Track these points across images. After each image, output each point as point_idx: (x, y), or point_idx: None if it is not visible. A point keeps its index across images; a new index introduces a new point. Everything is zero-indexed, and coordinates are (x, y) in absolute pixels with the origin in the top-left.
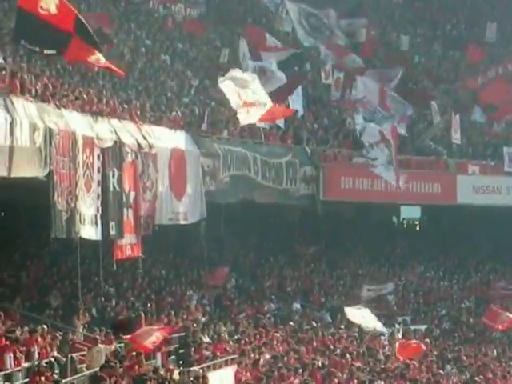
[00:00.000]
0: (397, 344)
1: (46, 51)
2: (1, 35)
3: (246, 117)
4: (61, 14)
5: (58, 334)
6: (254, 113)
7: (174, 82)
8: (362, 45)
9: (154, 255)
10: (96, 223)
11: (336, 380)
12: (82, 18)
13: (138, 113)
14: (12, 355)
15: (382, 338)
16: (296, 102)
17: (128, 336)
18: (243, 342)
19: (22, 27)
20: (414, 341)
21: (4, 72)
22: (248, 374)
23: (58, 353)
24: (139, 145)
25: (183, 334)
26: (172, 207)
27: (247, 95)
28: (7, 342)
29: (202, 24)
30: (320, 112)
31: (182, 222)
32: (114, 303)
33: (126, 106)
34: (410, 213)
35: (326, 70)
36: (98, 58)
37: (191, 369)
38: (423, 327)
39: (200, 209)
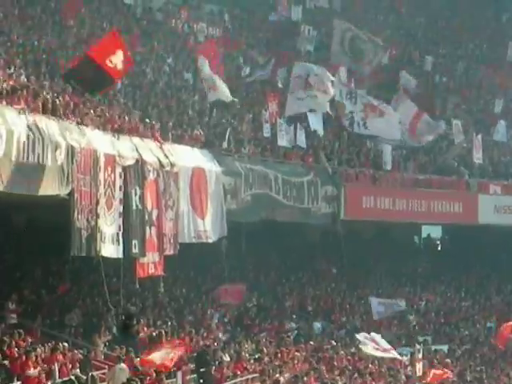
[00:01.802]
0: (420, 366)
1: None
2: (24, 53)
3: None
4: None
5: (78, 352)
6: None
7: (195, 100)
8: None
9: (174, 273)
10: (118, 241)
11: None
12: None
13: (160, 131)
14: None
15: (404, 358)
16: (316, 122)
17: (144, 360)
18: (264, 361)
19: (79, 71)
20: (439, 370)
21: (26, 90)
22: None
23: (80, 371)
24: (161, 163)
25: (201, 351)
26: (195, 225)
27: None
28: (29, 360)
29: (224, 42)
30: (341, 131)
31: (206, 241)
32: (135, 321)
33: (147, 123)
34: (432, 232)
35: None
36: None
37: None
38: (445, 347)
39: (220, 227)
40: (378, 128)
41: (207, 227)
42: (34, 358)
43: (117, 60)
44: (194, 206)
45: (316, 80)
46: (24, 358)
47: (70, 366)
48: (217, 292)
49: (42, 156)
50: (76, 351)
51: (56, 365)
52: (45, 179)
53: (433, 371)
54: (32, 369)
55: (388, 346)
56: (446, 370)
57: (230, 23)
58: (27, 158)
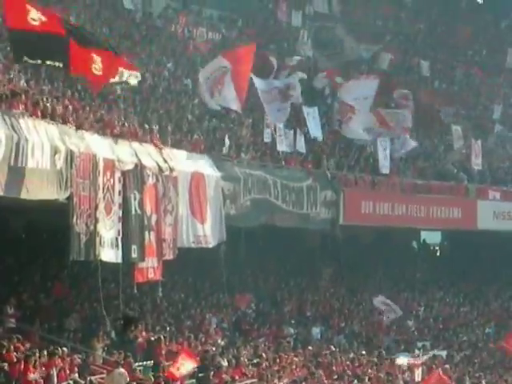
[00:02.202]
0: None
1: (48, 62)
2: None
3: None
4: (49, 20)
5: (77, 357)
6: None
7: (195, 105)
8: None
9: (173, 279)
10: (117, 246)
11: None
12: (67, 19)
13: (159, 136)
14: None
15: (403, 363)
16: (314, 127)
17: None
18: (262, 366)
19: (18, 46)
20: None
21: (26, 95)
22: None
23: (78, 376)
24: (160, 168)
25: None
26: (194, 230)
27: None
28: (28, 364)
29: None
30: (340, 136)
31: (206, 246)
32: (133, 326)
33: (147, 128)
34: (431, 238)
35: None
36: (98, 70)
37: None
38: (443, 353)
39: (219, 232)
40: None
41: (207, 232)
42: (33, 363)
43: (37, 15)
44: (193, 211)
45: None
46: (24, 362)
47: (69, 371)
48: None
49: (41, 160)
50: (75, 356)
51: (54, 369)
52: (43, 183)
53: (431, 377)
54: (33, 373)
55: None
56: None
57: (229, 28)
58: (26, 162)
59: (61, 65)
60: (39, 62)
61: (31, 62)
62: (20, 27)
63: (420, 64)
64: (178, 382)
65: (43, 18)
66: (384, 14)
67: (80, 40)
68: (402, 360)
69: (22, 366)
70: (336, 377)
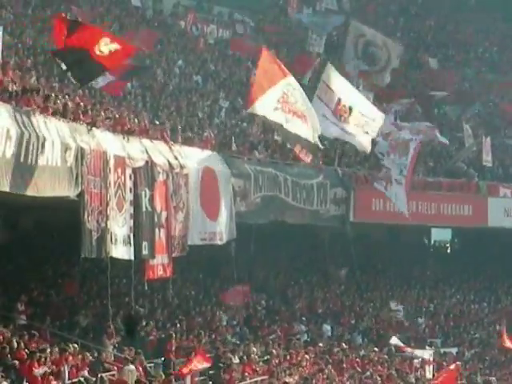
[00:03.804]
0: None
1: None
2: (34, 55)
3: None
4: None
5: (88, 354)
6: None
7: (205, 102)
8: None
9: (184, 276)
10: (129, 243)
11: None
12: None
13: (170, 133)
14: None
15: (415, 361)
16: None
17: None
18: (273, 363)
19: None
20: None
21: (37, 92)
22: None
23: (88, 373)
24: (170, 165)
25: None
26: (205, 227)
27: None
28: (33, 361)
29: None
30: None
31: (218, 243)
32: (144, 323)
33: (157, 125)
34: (441, 235)
35: None
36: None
37: None
38: (454, 350)
39: (230, 229)
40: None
41: (219, 229)
42: (42, 360)
43: (104, 48)
44: (204, 208)
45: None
46: (31, 359)
47: (79, 368)
48: (222, 297)
49: (52, 157)
50: (86, 353)
51: (65, 366)
52: (54, 181)
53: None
54: (37, 369)
55: None
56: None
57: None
58: (36, 159)
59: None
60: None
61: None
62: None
63: (430, 61)
64: (189, 378)
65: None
66: (394, 11)
67: None
68: (395, 340)
69: (30, 363)
70: (347, 374)
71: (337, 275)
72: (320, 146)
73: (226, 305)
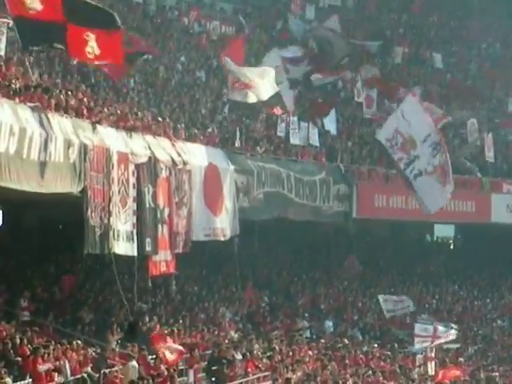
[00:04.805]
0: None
1: (55, 44)
2: (36, 52)
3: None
4: (47, 6)
5: (90, 350)
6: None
7: (208, 98)
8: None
9: (187, 272)
10: (132, 239)
11: None
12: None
13: (172, 129)
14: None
15: (418, 356)
16: (329, 122)
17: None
18: (275, 359)
19: (23, 34)
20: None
21: (40, 88)
22: None
23: (92, 369)
24: (173, 161)
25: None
26: (208, 223)
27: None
28: (37, 357)
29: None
30: (353, 130)
31: (221, 239)
32: (147, 319)
33: (160, 122)
34: (444, 231)
35: (357, 87)
36: (93, 50)
37: None
38: (457, 346)
39: (233, 225)
40: (424, 189)
41: (222, 224)
42: (46, 356)
43: (32, 3)
44: (207, 204)
45: None
46: (34, 355)
47: (82, 364)
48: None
49: (55, 154)
50: (89, 349)
51: (67, 362)
52: (57, 177)
53: (445, 371)
54: (43, 364)
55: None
56: (457, 371)
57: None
58: (39, 155)
59: (63, 47)
60: (45, 47)
61: (36, 49)
62: (21, 14)
63: (433, 57)
64: (192, 374)
65: (39, 7)
66: (397, 7)
67: (78, 19)
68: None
69: (34, 359)
70: (350, 370)
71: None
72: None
73: (229, 301)
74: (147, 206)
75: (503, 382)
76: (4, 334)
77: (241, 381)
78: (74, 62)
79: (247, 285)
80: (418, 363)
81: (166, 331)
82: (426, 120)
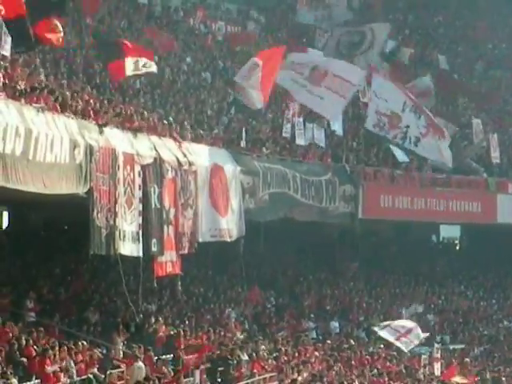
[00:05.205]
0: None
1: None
2: (43, 52)
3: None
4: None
5: (96, 351)
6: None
7: (214, 99)
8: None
9: (192, 272)
10: (138, 240)
11: None
12: None
13: (178, 130)
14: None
15: (423, 357)
16: (335, 122)
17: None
18: (281, 360)
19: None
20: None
21: (45, 89)
22: None
23: (98, 369)
24: (179, 162)
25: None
26: (214, 224)
27: None
28: (45, 358)
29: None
30: (359, 130)
31: (227, 239)
32: (152, 320)
33: (165, 123)
34: (450, 232)
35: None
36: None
37: None
38: (463, 347)
39: (239, 226)
40: (428, 150)
41: (228, 225)
42: (52, 357)
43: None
44: (213, 205)
45: (335, 81)
46: (41, 356)
47: (88, 365)
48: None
49: (61, 155)
50: (95, 350)
51: (72, 362)
52: (63, 178)
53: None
54: (51, 366)
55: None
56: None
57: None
58: (45, 156)
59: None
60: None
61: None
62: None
63: (439, 57)
64: (198, 375)
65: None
66: (403, 8)
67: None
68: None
69: (41, 360)
70: (355, 371)
71: (347, 268)
72: None
73: (234, 301)
74: (153, 206)
75: (509, 383)
76: (10, 334)
77: (247, 381)
78: None
79: (253, 286)
80: (423, 364)
81: (171, 332)
82: (395, 90)
